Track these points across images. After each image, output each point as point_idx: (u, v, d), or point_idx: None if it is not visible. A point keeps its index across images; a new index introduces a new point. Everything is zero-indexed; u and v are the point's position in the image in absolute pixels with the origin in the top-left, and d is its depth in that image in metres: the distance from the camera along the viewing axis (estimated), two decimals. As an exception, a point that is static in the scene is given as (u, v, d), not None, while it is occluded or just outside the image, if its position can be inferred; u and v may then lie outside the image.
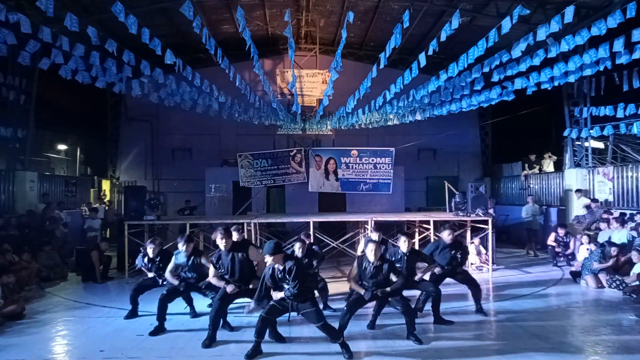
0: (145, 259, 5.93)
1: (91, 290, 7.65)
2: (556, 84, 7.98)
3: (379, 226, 6.53)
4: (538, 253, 10.65)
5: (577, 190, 10.84)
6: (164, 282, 5.64)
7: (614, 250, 7.32)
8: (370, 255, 4.80)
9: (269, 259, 4.38)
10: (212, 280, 5.03)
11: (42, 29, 5.74)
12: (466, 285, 5.88)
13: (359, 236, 9.75)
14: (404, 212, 11.87)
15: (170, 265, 5.46)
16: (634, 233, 8.03)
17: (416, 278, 5.53)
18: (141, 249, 6.32)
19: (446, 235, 5.80)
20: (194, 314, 5.86)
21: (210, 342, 4.78)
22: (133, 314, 5.82)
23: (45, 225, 9.69)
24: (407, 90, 8.82)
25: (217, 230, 5.02)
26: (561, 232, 9.46)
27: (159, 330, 5.22)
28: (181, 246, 5.45)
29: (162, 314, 5.26)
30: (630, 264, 7.25)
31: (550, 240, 9.51)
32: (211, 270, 5.03)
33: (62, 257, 9.01)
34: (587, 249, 8.13)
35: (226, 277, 4.95)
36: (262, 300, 4.57)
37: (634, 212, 8.82)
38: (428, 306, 5.68)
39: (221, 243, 4.91)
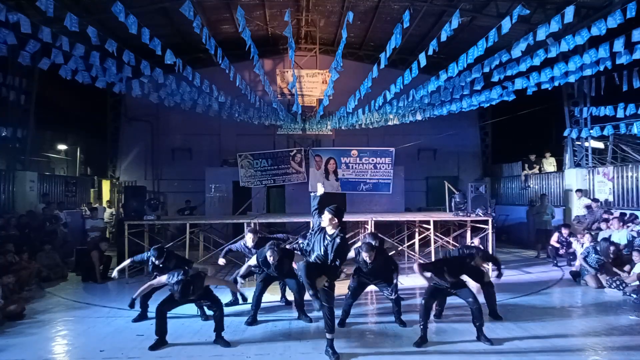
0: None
1: (91, 290, 7.65)
2: (556, 84, 7.97)
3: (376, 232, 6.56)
4: (541, 253, 10.62)
5: (578, 190, 10.83)
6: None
7: (610, 248, 7.41)
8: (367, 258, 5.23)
9: (326, 218, 4.42)
10: (250, 263, 5.63)
11: (42, 29, 5.73)
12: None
13: (359, 236, 9.75)
14: (404, 212, 11.87)
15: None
16: (634, 233, 8.03)
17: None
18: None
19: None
20: (206, 317, 5.74)
21: (253, 320, 5.50)
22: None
23: (45, 225, 9.68)
24: (407, 90, 8.81)
25: (270, 250, 5.31)
26: (565, 232, 9.43)
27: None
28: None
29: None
30: (628, 262, 7.28)
31: (553, 241, 9.50)
32: (252, 260, 5.58)
33: (62, 257, 9.01)
34: (581, 244, 8.15)
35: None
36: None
37: (634, 212, 8.83)
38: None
39: (271, 259, 5.32)
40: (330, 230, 4.42)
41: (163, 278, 4.97)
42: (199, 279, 4.87)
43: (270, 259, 5.32)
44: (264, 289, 5.69)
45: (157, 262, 5.72)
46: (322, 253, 4.41)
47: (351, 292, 5.51)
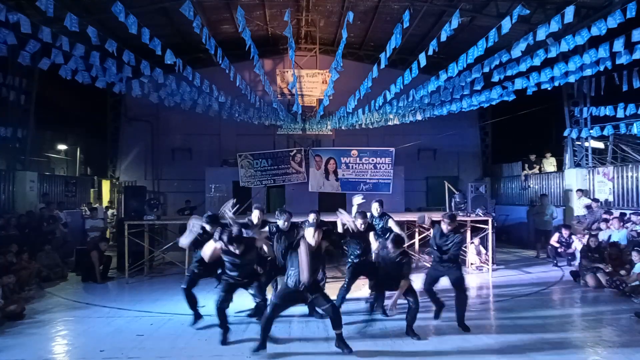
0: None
1: (91, 290, 7.65)
2: (556, 84, 7.97)
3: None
4: (541, 253, 10.61)
5: (578, 190, 10.83)
6: None
7: (592, 242, 7.52)
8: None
9: (309, 233, 4.42)
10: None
11: (42, 29, 5.73)
12: (455, 289, 5.25)
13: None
14: (404, 212, 11.86)
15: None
16: (634, 233, 8.03)
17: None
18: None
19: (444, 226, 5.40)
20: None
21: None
22: None
23: (43, 226, 9.65)
24: (407, 90, 8.82)
25: (280, 213, 5.61)
26: (565, 232, 9.44)
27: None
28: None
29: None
30: (628, 262, 7.28)
31: (553, 241, 9.50)
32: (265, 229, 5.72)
33: (62, 257, 9.01)
34: (581, 243, 8.18)
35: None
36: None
37: (633, 212, 8.83)
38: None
39: (281, 222, 5.59)
40: (313, 242, 4.33)
41: (210, 243, 4.86)
42: (249, 239, 5.00)
43: (281, 223, 5.55)
44: (265, 284, 5.59)
45: (210, 229, 5.40)
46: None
47: (346, 285, 5.65)
